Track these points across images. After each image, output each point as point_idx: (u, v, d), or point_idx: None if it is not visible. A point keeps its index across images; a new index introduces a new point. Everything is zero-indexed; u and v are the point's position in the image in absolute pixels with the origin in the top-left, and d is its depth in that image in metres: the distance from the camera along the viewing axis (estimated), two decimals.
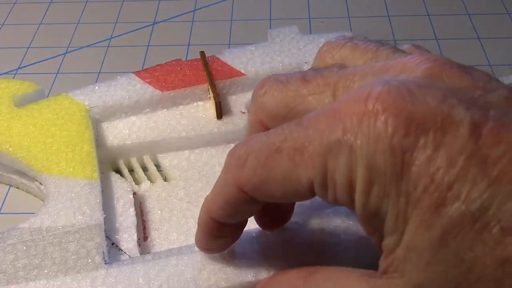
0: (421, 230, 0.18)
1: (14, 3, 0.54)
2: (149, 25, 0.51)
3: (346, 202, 0.20)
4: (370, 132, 0.18)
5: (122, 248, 0.30)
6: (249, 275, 0.27)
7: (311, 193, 0.20)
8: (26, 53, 0.48)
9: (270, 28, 0.49)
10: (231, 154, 0.23)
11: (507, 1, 0.51)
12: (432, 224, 0.17)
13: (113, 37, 0.49)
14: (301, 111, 0.23)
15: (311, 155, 0.20)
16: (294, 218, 0.29)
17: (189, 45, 0.48)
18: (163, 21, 0.51)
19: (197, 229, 0.27)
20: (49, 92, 0.44)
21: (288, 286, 0.25)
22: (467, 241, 0.17)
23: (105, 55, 0.47)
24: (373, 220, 0.19)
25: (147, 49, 0.48)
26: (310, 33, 0.44)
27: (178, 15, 0.51)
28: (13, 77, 0.45)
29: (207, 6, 0.52)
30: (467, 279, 0.17)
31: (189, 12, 0.52)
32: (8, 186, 0.37)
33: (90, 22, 0.51)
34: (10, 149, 0.33)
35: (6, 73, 0.46)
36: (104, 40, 0.49)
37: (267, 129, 0.25)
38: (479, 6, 0.51)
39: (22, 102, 0.36)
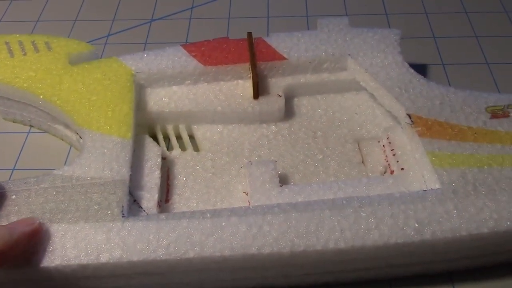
0: None
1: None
2: (146, 23, 0.50)
3: None
4: None
5: (143, 206, 0.32)
6: (253, 247, 0.28)
7: None
8: None
9: (268, 25, 0.49)
10: None
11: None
12: None
13: (111, 35, 0.49)
14: None
15: None
16: None
17: (186, 43, 0.44)
18: (161, 18, 0.51)
19: None
20: None
21: None
22: None
23: (102, 53, 0.47)
24: None
25: (145, 47, 0.48)
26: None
27: (175, 13, 0.51)
28: None
29: (204, 3, 0.52)
30: None
31: (187, 9, 0.51)
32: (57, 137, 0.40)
33: (87, 19, 0.51)
34: (58, 102, 0.36)
35: None
36: (101, 38, 0.49)
37: None
38: (476, 3, 0.50)
39: (76, 60, 0.39)
